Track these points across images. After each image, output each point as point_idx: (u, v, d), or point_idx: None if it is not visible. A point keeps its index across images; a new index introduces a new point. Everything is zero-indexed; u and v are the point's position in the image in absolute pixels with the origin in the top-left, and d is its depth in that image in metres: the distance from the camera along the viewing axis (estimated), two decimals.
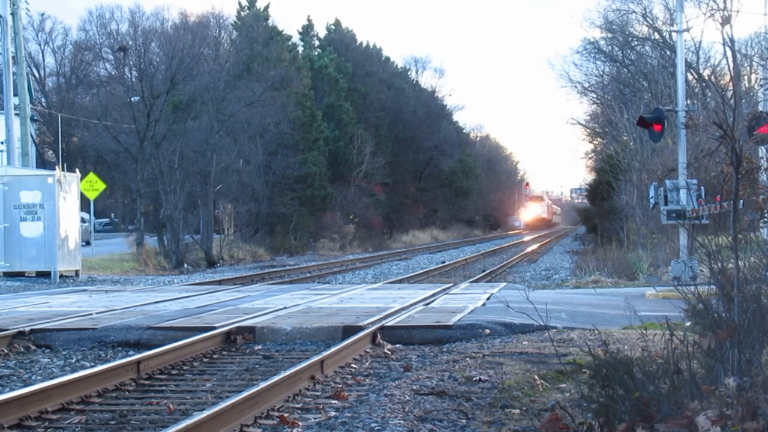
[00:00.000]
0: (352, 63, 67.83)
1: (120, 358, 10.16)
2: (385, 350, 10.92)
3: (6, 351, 11.32)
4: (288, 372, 8.38)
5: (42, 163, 51.90)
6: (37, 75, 70.19)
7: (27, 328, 12.19)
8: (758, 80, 39.40)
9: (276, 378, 8.06)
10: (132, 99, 42.30)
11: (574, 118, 70.03)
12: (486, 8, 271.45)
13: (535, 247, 57.63)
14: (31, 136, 36.64)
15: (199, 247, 41.40)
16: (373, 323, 12.27)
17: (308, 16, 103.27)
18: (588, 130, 66.01)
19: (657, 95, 36.71)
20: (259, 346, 11.52)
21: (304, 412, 7.61)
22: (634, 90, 48.82)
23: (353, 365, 9.90)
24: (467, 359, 10.02)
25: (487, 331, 12.00)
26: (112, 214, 72.51)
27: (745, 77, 46.21)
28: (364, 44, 74.86)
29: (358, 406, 7.67)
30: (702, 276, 13.13)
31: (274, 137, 50.74)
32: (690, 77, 43.72)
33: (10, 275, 27.46)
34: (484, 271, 32.94)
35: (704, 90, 44.22)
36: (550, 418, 6.37)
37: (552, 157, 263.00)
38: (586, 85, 60.59)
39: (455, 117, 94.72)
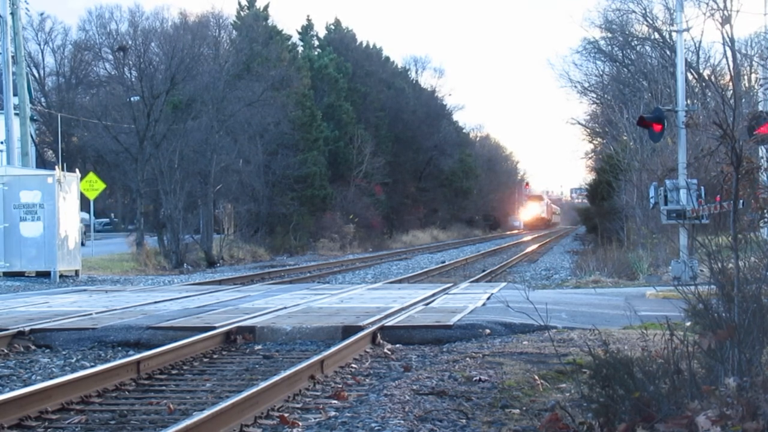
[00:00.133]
0: (352, 63, 67.83)
1: (120, 358, 10.16)
2: (385, 350, 10.92)
3: (6, 351, 11.32)
4: (288, 372, 8.38)
5: (42, 163, 51.90)
6: (36, 75, 70.22)
7: (27, 328, 12.19)
8: (758, 80, 39.38)
9: (276, 378, 8.06)
10: (132, 99, 42.30)
11: (574, 118, 70.08)
12: (486, 8, 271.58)
13: (535, 247, 57.62)
14: (31, 136, 36.64)
15: (199, 247, 41.40)
16: (373, 323, 12.26)
17: (308, 16, 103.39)
18: (588, 130, 66.04)
19: (657, 95, 36.70)
20: (259, 346, 11.52)
21: (304, 412, 7.61)
22: (634, 90, 48.81)
23: (353, 365, 9.90)
24: (467, 359, 10.02)
25: (487, 331, 12.00)
26: (112, 214, 72.52)
27: (745, 77, 46.21)
28: (364, 44, 74.88)
29: (358, 406, 7.67)
30: (702, 276, 13.12)
31: (274, 137, 50.74)
32: (690, 77, 43.72)
33: (10, 275, 27.47)
34: (484, 271, 32.94)
35: (704, 90, 44.20)
36: (550, 418, 6.37)
37: (552, 157, 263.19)
38: (586, 85, 60.65)
39: (455, 117, 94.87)
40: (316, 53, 65.70)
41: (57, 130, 53.66)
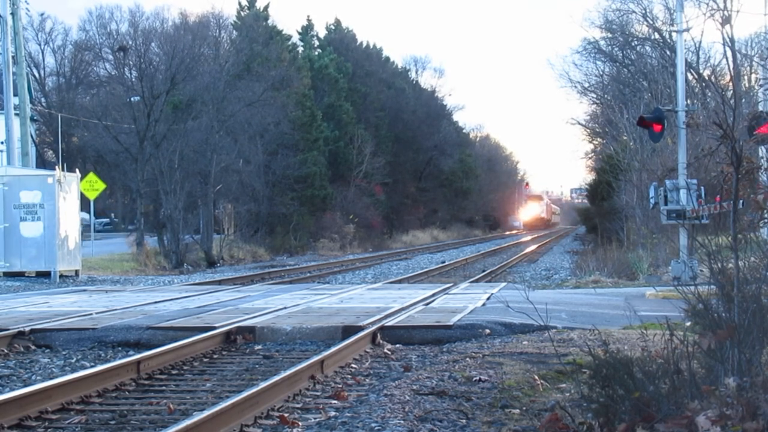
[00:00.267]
0: (352, 63, 67.82)
1: (120, 358, 10.16)
2: (385, 350, 10.92)
3: (6, 351, 11.32)
4: (288, 372, 8.38)
5: (42, 163, 51.93)
6: (37, 75, 70.20)
7: (27, 328, 12.19)
8: (758, 80, 39.39)
9: (276, 378, 8.06)
10: (132, 99, 42.29)
11: (574, 118, 70.10)
12: (486, 8, 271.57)
13: (534, 247, 57.62)
14: (31, 136, 36.65)
15: (199, 247, 41.40)
16: (373, 323, 12.27)
17: (308, 16, 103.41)
18: (588, 130, 66.05)
19: (657, 95, 36.70)
20: (259, 346, 11.52)
21: (304, 412, 7.61)
22: (634, 90, 48.80)
23: (353, 365, 9.90)
24: (467, 359, 10.02)
25: (487, 331, 12.00)
26: (112, 214, 72.53)
27: (745, 77, 46.22)
28: (364, 44, 74.88)
29: (358, 406, 7.67)
30: (702, 276, 13.12)
31: (274, 137, 50.74)
32: (690, 77, 43.72)
33: (10, 275, 27.47)
34: (484, 271, 32.94)
35: (704, 90, 44.20)
36: (550, 418, 6.37)
37: (552, 157, 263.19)
38: (586, 85, 60.64)
39: (455, 117, 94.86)
40: (316, 53, 65.69)
41: (57, 130, 53.65)
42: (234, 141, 46.39)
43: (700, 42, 49.50)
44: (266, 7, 57.99)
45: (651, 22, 51.97)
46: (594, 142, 64.98)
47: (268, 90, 48.98)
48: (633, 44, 54.40)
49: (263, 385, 7.68)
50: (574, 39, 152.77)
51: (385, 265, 39.61)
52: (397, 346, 11.39)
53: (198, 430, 6.34)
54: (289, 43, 60.50)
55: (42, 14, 73.36)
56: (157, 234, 40.25)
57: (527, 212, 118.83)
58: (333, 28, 71.61)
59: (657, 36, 51.65)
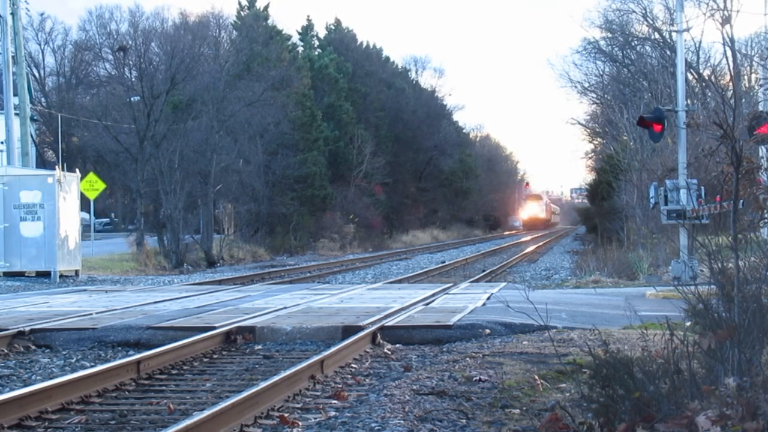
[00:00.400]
0: (352, 63, 67.81)
1: (120, 358, 10.16)
2: (385, 350, 10.92)
3: (6, 351, 11.32)
4: (288, 372, 8.38)
5: (42, 163, 51.90)
6: (37, 75, 70.21)
7: (27, 328, 12.19)
8: (758, 80, 39.39)
9: (276, 378, 8.06)
10: (132, 99, 42.29)
11: (574, 118, 70.11)
12: (486, 8, 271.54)
13: (534, 247, 57.63)
14: (31, 136, 36.65)
15: (199, 247, 41.40)
16: (373, 323, 12.27)
17: (308, 16, 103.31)
18: (588, 130, 66.06)
19: (657, 95, 36.70)
20: (259, 346, 11.52)
21: (304, 412, 7.61)
22: (634, 90, 48.80)
23: (353, 365, 9.90)
24: (467, 359, 10.02)
25: (487, 331, 12.00)
26: (112, 214, 72.54)
27: (745, 77, 46.22)
28: (364, 44, 74.86)
29: (358, 406, 7.67)
30: (702, 276, 13.12)
31: (274, 137, 50.73)
32: (690, 77, 43.72)
33: (10, 275, 27.47)
34: (484, 271, 32.94)
35: (704, 90, 44.21)
36: (550, 418, 6.37)
37: (552, 157, 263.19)
38: (586, 85, 60.66)
39: (455, 117, 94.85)
40: (316, 53, 65.69)
41: (57, 130, 53.66)
42: (234, 141, 46.39)
43: (700, 42, 49.54)
44: (266, 7, 58.01)
45: (651, 22, 52.00)
46: (594, 142, 65.02)
47: (268, 90, 48.98)
48: (633, 44, 54.40)
49: (263, 385, 7.68)
50: (574, 39, 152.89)
51: (385, 265, 39.61)
52: (397, 346, 11.39)
53: (198, 430, 6.34)
54: (289, 43, 60.49)
55: (42, 14, 73.45)
56: (157, 234, 40.24)
57: (526, 212, 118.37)
58: (333, 28, 71.61)
59: (657, 36, 51.67)
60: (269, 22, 58.03)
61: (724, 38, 43.77)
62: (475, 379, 8.78)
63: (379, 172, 65.88)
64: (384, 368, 9.79)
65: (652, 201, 21.43)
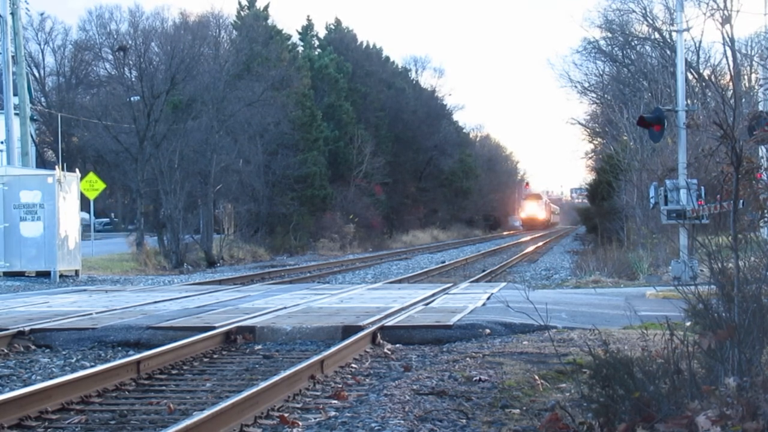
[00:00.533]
0: (352, 63, 67.81)
1: (120, 358, 10.16)
2: (385, 350, 10.92)
3: (6, 351, 11.32)
4: (288, 372, 8.38)
5: (42, 163, 51.92)
6: (37, 75, 70.23)
7: (27, 328, 12.19)
8: (758, 80, 39.39)
9: (276, 378, 8.06)
10: (132, 99, 42.29)
11: (574, 118, 70.13)
12: (486, 8, 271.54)
13: (534, 247, 57.63)
14: (31, 136, 36.65)
15: (199, 247, 41.40)
16: (373, 323, 12.26)
17: (308, 16, 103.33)
18: (588, 130, 66.07)
19: (657, 95, 36.70)
20: (259, 346, 11.52)
21: (304, 412, 7.61)
22: (634, 90, 48.81)
23: (353, 365, 9.90)
24: (467, 359, 10.02)
25: (487, 331, 12.00)
26: (112, 214, 72.55)
27: (745, 77, 46.22)
28: (364, 44, 74.86)
29: (358, 406, 7.67)
30: (702, 276, 13.12)
31: (274, 137, 50.74)
32: (690, 77, 43.72)
33: (10, 275, 27.47)
34: (484, 271, 32.94)
35: (704, 90, 44.20)
36: (550, 418, 6.37)
37: (552, 157, 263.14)
38: (586, 85, 60.67)
39: (455, 117, 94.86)
40: (316, 53, 65.69)
41: (57, 130, 53.67)
42: (234, 141, 46.39)
43: (700, 42, 49.56)
44: (266, 7, 58.01)
45: (651, 22, 52.02)
46: (594, 142, 65.03)
47: (268, 90, 48.98)
48: (633, 44, 54.41)
49: (263, 385, 7.68)
50: (574, 39, 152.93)
51: (385, 265, 39.61)
52: (397, 346, 11.39)
53: (198, 430, 6.34)
54: (289, 43, 60.49)
55: (42, 14, 73.54)
56: (157, 234, 40.24)
57: (524, 211, 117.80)
58: (333, 28, 71.61)
59: (657, 36, 51.68)
60: (269, 22, 58.04)
61: (724, 38, 43.82)
62: (475, 379, 8.78)
63: (379, 172, 65.89)
64: (384, 368, 9.78)
65: (652, 201, 21.43)
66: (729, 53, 44.74)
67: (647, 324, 9.26)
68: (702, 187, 20.63)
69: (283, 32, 59.42)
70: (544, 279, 29.12)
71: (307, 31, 67.54)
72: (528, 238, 78.36)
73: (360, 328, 11.74)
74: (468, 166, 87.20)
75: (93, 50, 72.56)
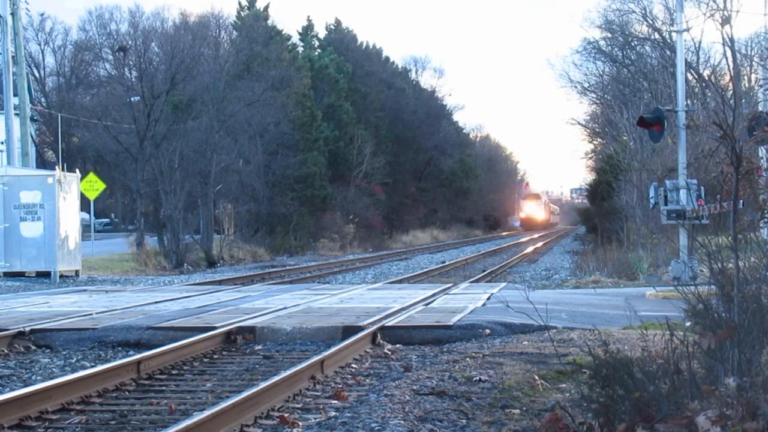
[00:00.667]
0: (352, 63, 67.82)
1: (120, 358, 10.16)
2: (385, 350, 10.92)
3: (6, 351, 11.32)
4: (288, 372, 8.39)
5: (42, 163, 51.93)
6: (37, 75, 70.23)
7: (27, 328, 12.19)
8: (758, 80, 39.40)
9: (276, 378, 8.06)
10: (132, 99, 42.30)
11: (574, 118, 70.16)
12: (486, 8, 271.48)
13: (534, 247, 57.64)
14: (31, 136, 36.65)
15: (199, 247, 41.40)
16: (373, 323, 12.27)
17: (308, 16, 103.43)
18: (588, 130, 66.07)
19: (657, 95, 36.71)
20: (260, 346, 11.52)
21: (305, 412, 7.61)
22: (634, 90, 48.81)
23: (353, 365, 9.90)
24: (467, 359, 10.02)
25: (487, 331, 12.00)
26: (112, 214, 72.55)
27: (745, 77, 46.23)
28: (364, 44, 74.87)
29: (358, 406, 7.67)
30: (702, 276, 13.13)
31: (274, 137, 50.74)
32: (690, 77, 43.72)
33: (10, 275, 27.47)
34: (484, 271, 32.94)
35: (704, 90, 44.21)
36: (550, 418, 6.38)
37: (552, 157, 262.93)
38: (586, 85, 60.68)
39: (455, 117, 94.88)
40: (316, 53, 65.70)
41: (57, 130, 53.66)
42: (234, 141, 46.39)
43: (700, 42, 49.58)
44: (266, 7, 58.02)
45: (651, 22, 52.02)
46: (594, 142, 65.02)
47: (268, 90, 48.98)
48: (633, 44, 54.42)
49: (263, 385, 7.68)
50: (574, 39, 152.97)
51: (385, 265, 39.61)
52: (397, 346, 11.39)
53: (198, 430, 6.35)
54: (289, 43, 60.49)
55: (42, 14, 73.57)
56: (157, 234, 40.25)
57: (524, 211, 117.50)
58: (333, 28, 71.62)
59: (657, 36, 51.69)
60: (269, 22, 58.05)
61: (724, 38, 43.85)
62: (475, 379, 8.78)
63: (379, 172, 65.90)
64: (384, 368, 9.79)
65: (652, 201, 21.43)
66: (729, 53, 44.76)
67: (647, 324, 9.26)
68: (702, 188, 20.63)
69: (283, 32, 59.46)
70: (544, 279, 29.12)
71: (307, 32, 67.55)
72: (528, 238, 78.35)
73: (360, 329, 11.74)
74: (468, 166, 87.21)
75: (93, 50, 72.57)
